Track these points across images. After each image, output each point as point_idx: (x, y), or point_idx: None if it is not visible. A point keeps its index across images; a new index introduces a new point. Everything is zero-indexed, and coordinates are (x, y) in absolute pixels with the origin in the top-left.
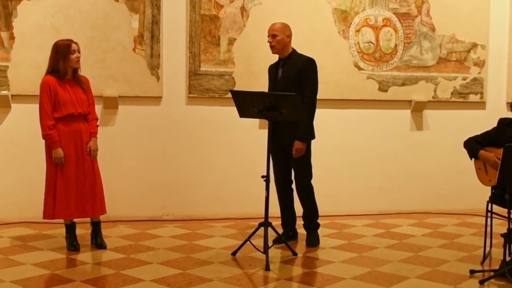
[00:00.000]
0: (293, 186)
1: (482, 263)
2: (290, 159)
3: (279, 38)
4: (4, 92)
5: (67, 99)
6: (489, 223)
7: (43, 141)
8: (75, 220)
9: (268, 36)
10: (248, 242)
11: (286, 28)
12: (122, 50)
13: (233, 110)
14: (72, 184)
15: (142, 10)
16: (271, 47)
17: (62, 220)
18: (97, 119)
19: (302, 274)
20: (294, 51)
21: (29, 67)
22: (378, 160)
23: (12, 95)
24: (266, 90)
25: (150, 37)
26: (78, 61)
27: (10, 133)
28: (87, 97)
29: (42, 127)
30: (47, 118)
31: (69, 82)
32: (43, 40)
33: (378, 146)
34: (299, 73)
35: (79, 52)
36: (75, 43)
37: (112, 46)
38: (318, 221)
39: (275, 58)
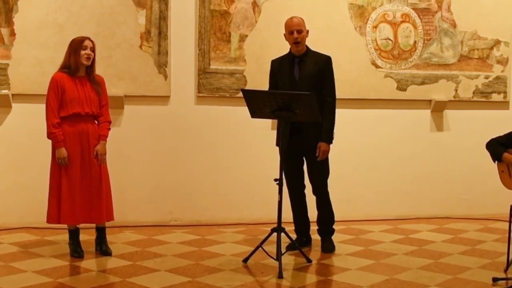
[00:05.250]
0: (305, 191)
1: (505, 270)
2: (308, 162)
3: (304, 33)
4: (5, 91)
5: (74, 97)
6: None
7: (46, 142)
8: (79, 225)
9: (292, 32)
10: (260, 248)
11: (304, 22)
12: (128, 48)
13: (245, 110)
14: (77, 188)
15: (149, 5)
16: (298, 43)
17: (65, 226)
18: (109, 122)
19: (316, 282)
20: (308, 47)
21: (30, 65)
22: (396, 163)
23: (12, 94)
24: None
25: (157, 33)
26: (88, 58)
27: (10, 134)
28: (98, 98)
29: (47, 126)
30: (53, 116)
31: (81, 79)
32: (45, 37)
33: (396, 147)
34: (321, 72)
35: (91, 50)
36: (91, 41)
37: (117, 43)
38: (333, 226)
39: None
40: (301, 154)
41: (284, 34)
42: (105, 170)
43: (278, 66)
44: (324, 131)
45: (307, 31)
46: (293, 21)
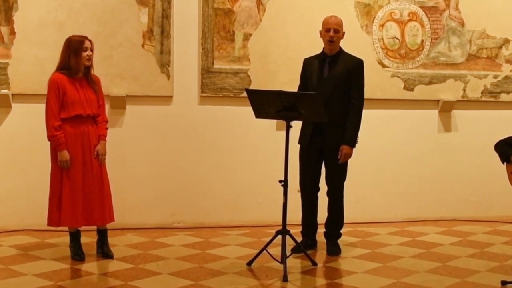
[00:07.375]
0: (318, 193)
1: None
2: (327, 163)
3: (340, 34)
4: (4, 91)
5: (75, 99)
6: None
7: (47, 143)
8: (80, 227)
9: (329, 30)
10: (264, 251)
11: (343, 24)
12: (130, 47)
13: (249, 110)
14: (79, 189)
15: (152, 4)
16: (332, 42)
17: (66, 228)
18: (106, 122)
19: (322, 285)
20: (341, 49)
21: (30, 64)
22: (404, 164)
23: (12, 94)
24: (295, 86)
25: (160, 32)
26: (89, 59)
27: (10, 134)
28: (97, 98)
29: (48, 128)
30: (54, 119)
31: (80, 80)
32: (46, 35)
33: (403, 148)
34: (350, 74)
35: (91, 50)
36: (89, 40)
37: (119, 42)
38: (341, 231)
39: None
40: (321, 155)
41: (320, 31)
42: (105, 171)
43: (309, 64)
44: (348, 133)
45: (343, 33)
46: (331, 19)
